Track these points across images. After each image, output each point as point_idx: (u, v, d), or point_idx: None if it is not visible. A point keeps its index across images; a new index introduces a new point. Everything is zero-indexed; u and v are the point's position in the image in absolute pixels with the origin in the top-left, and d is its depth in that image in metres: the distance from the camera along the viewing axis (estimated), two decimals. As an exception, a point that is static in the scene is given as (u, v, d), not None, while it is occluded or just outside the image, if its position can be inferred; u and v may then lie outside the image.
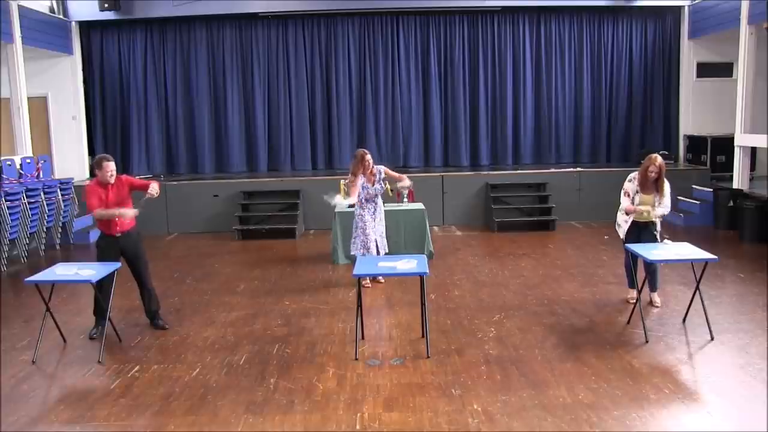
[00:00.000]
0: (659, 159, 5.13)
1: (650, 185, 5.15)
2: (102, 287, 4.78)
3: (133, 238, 5.06)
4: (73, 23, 11.06)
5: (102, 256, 4.97)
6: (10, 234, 7.70)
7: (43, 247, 8.54)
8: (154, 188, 4.97)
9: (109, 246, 4.98)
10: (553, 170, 10.47)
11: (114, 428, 3.47)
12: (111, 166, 4.91)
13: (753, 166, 10.55)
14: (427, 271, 4.46)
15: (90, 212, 4.92)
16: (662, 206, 5.17)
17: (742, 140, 9.43)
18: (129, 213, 4.91)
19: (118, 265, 4.85)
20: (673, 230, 8.55)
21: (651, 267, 5.14)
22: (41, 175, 9.50)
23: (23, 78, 9.63)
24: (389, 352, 4.49)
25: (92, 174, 11.41)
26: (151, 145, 11.51)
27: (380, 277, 6.34)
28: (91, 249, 8.89)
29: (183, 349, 4.66)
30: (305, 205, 9.84)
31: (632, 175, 5.26)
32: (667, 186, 5.20)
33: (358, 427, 3.41)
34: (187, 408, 3.68)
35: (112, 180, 4.92)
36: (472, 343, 4.63)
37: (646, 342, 4.57)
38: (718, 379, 3.93)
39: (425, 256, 5.14)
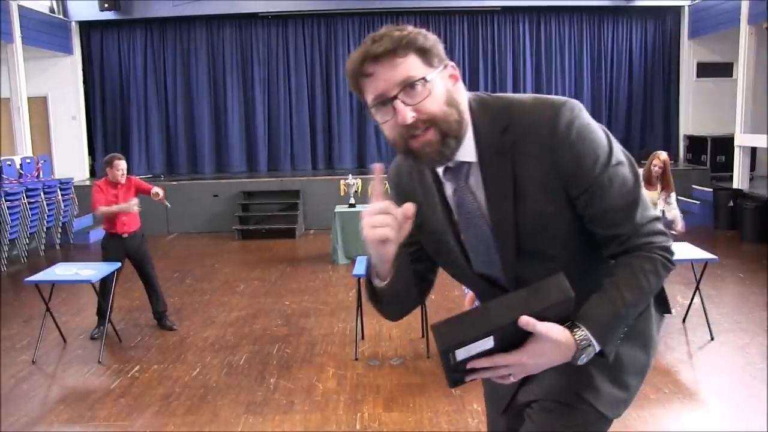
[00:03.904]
0: (664, 154, 5.18)
1: (654, 181, 5.18)
2: (105, 287, 4.80)
3: (139, 240, 5.06)
4: (73, 23, 11.06)
5: (108, 258, 4.95)
6: (10, 234, 7.70)
7: (43, 247, 8.54)
8: (156, 191, 5.01)
9: (115, 247, 4.96)
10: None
11: (114, 428, 3.47)
12: (123, 165, 4.93)
13: (753, 166, 10.55)
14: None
15: (93, 210, 4.88)
16: (671, 206, 5.19)
17: (742, 140, 9.43)
18: (131, 205, 4.87)
19: (119, 264, 4.85)
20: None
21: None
22: (41, 175, 9.51)
23: (23, 78, 9.63)
24: (389, 352, 4.49)
25: (92, 173, 11.44)
26: (151, 145, 11.52)
27: None
28: (91, 249, 8.90)
29: (183, 349, 4.66)
30: (305, 205, 9.84)
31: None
32: (673, 194, 5.24)
33: (358, 427, 3.41)
34: (187, 408, 3.68)
35: (123, 180, 4.93)
36: (472, 343, 4.62)
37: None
38: (718, 379, 3.94)
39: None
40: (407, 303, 1.44)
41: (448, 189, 1.34)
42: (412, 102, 1.18)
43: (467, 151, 1.27)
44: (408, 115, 1.18)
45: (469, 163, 1.29)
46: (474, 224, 1.34)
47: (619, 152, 1.30)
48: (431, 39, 1.22)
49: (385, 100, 1.19)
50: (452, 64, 1.26)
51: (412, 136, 1.20)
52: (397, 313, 1.45)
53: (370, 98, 1.22)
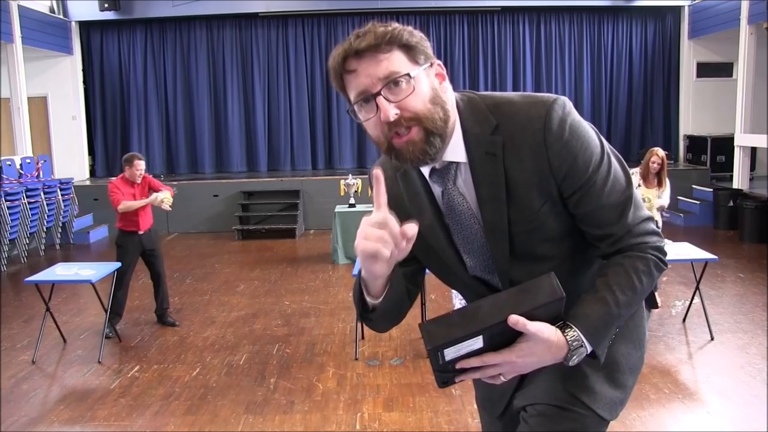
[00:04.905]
0: (661, 151, 5.18)
1: (652, 178, 5.18)
2: (122, 284, 4.87)
3: (154, 236, 5.11)
4: (73, 23, 11.05)
5: (123, 255, 4.95)
6: (10, 234, 7.70)
7: (43, 247, 8.54)
8: (166, 198, 5.04)
9: (132, 244, 4.97)
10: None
11: (114, 428, 3.47)
12: (142, 165, 4.96)
13: (753, 166, 10.55)
14: (428, 270, 4.45)
15: (116, 206, 4.86)
16: (662, 198, 5.21)
17: (742, 140, 9.43)
18: (160, 195, 4.91)
19: (119, 264, 4.85)
20: (673, 230, 8.55)
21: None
22: (41, 175, 9.51)
23: (23, 78, 9.63)
24: (389, 352, 4.49)
25: (92, 173, 11.43)
26: (151, 145, 11.51)
27: None
28: (91, 249, 8.91)
29: (183, 349, 4.66)
30: (305, 205, 9.84)
31: (634, 169, 5.29)
32: (668, 182, 5.24)
33: (358, 427, 3.42)
34: (187, 408, 3.68)
35: (140, 180, 4.97)
36: (472, 343, 4.62)
37: (646, 342, 4.57)
38: (718, 379, 3.94)
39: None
40: (398, 317, 1.40)
41: (436, 191, 1.31)
42: (396, 99, 1.15)
43: (456, 152, 1.25)
44: (391, 111, 1.15)
45: (458, 164, 1.27)
46: (465, 226, 1.31)
47: (610, 151, 1.28)
48: (417, 36, 1.19)
49: (368, 97, 1.16)
50: (439, 62, 1.23)
51: (396, 134, 1.17)
52: (387, 327, 1.41)
53: (352, 95, 1.19)
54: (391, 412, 3.56)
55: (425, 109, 1.17)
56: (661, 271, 1.30)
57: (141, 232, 4.98)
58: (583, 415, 1.36)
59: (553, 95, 1.24)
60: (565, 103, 1.23)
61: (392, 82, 1.15)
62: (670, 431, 3.37)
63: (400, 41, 1.17)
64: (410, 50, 1.18)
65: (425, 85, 1.19)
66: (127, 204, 4.84)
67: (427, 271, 1.54)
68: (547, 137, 1.20)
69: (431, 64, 1.21)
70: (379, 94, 1.15)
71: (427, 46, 1.21)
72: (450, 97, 1.24)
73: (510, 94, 1.28)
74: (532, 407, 1.40)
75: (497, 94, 1.29)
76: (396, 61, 1.16)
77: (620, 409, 1.41)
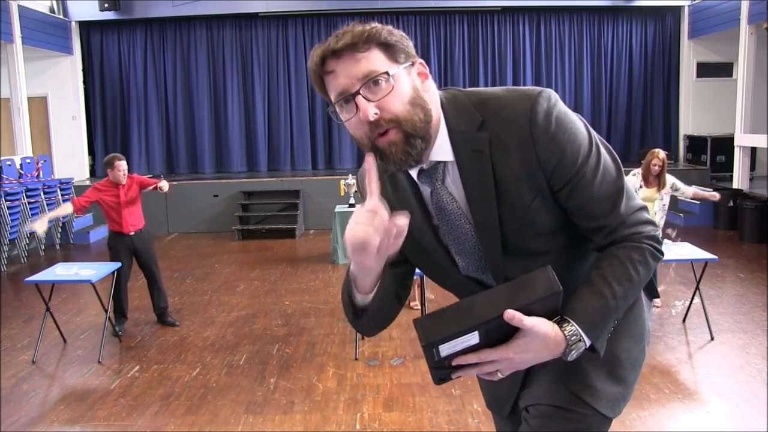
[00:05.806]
0: (662, 153, 5.18)
1: (653, 179, 5.18)
2: (120, 286, 4.92)
3: (146, 237, 5.11)
4: (73, 23, 11.06)
5: (115, 257, 4.98)
6: (10, 234, 7.70)
7: (43, 247, 8.54)
8: (164, 185, 5.13)
9: (122, 246, 5.00)
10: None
11: (114, 428, 3.47)
12: (123, 166, 4.96)
13: (753, 166, 10.55)
14: (421, 272, 4.44)
15: (71, 202, 5.00)
16: (683, 188, 5.26)
17: (742, 140, 9.43)
18: (39, 226, 4.94)
19: (119, 264, 4.86)
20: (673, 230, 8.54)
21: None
22: (41, 175, 9.51)
23: (23, 78, 9.63)
24: (389, 352, 4.49)
25: (92, 173, 11.43)
26: (151, 145, 11.51)
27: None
28: (91, 249, 8.90)
29: (183, 349, 4.66)
30: (305, 205, 9.84)
31: (635, 170, 5.28)
32: (668, 177, 5.24)
33: (358, 427, 3.42)
34: (187, 408, 3.68)
35: (125, 180, 4.97)
36: (472, 343, 4.62)
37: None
38: (718, 379, 3.94)
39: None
40: (387, 320, 1.39)
41: (425, 191, 1.30)
42: (375, 98, 1.14)
43: (442, 151, 1.23)
44: (370, 111, 1.13)
45: (445, 163, 1.25)
46: (456, 225, 1.29)
47: (599, 141, 1.26)
48: (396, 34, 1.17)
49: (348, 97, 1.15)
50: (421, 61, 1.21)
51: (379, 134, 1.16)
52: (376, 330, 1.39)
53: (332, 95, 1.17)
54: (391, 412, 3.56)
55: (404, 110, 1.15)
56: (657, 261, 1.28)
57: (130, 234, 4.99)
58: (585, 414, 1.34)
59: (538, 88, 1.23)
60: (551, 95, 1.21)
61: (371, 81, 1.14)
62: (670, 431, 3.37)
63: (378, 40, 1.15)
64: (389, 49, 1.16)
65: (405, 84, 1.17)
66: (73, 204, 4.96)
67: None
68: (533, 131, 1.19)
69: (412, 63, 1.20)
70: (358, 93, 1.14)
71: (408, 45, 1.19)
72: (434, 95, 1.23)
73: (495, 89, 1.26)
74: (534, 407, 1.39)
75: (482, 89, 1.27)
76: (375, 60, 1.14)
77: (623, 406, 1.40)
